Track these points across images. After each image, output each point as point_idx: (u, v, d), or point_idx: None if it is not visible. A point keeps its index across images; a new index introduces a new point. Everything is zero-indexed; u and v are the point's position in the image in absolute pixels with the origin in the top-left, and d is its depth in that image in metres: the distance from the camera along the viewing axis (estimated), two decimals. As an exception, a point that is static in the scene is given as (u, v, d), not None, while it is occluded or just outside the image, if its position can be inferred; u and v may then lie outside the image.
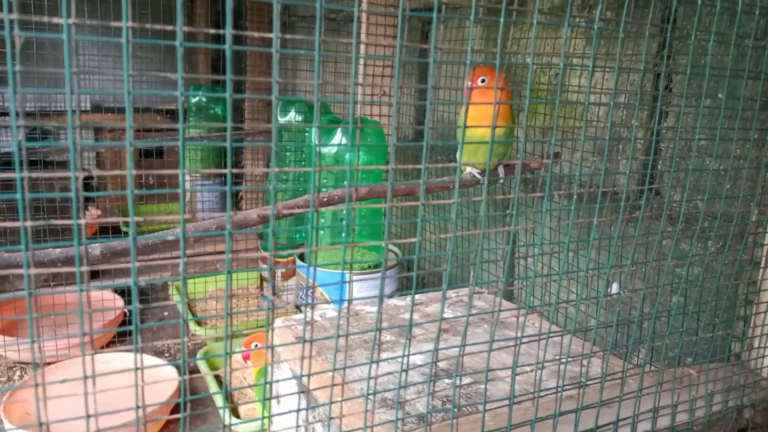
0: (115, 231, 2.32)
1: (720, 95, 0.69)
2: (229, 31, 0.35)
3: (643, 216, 0.56)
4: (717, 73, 0.59)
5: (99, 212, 2.47)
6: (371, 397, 0.62)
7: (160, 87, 2.31)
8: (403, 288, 1.55)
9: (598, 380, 0.50)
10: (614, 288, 0.79)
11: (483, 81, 0.89)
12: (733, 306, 0.73)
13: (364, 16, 1.45)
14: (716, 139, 0.62)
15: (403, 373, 0.69)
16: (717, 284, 0.65)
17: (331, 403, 0.51)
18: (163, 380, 1.17)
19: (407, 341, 0.53)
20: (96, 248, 0.77)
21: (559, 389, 0.48)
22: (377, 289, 1.30)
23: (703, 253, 0.83)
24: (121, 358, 1.33)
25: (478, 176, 0.97)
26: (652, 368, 0.88)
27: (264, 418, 0.48)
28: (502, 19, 0.44)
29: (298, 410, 0.44)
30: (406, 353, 0.53)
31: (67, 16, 0.31)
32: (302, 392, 0.72)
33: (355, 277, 1.24)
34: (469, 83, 0.94)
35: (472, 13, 0.42)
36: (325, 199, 0.93)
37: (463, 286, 1.04)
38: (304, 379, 0.70)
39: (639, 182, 1.02)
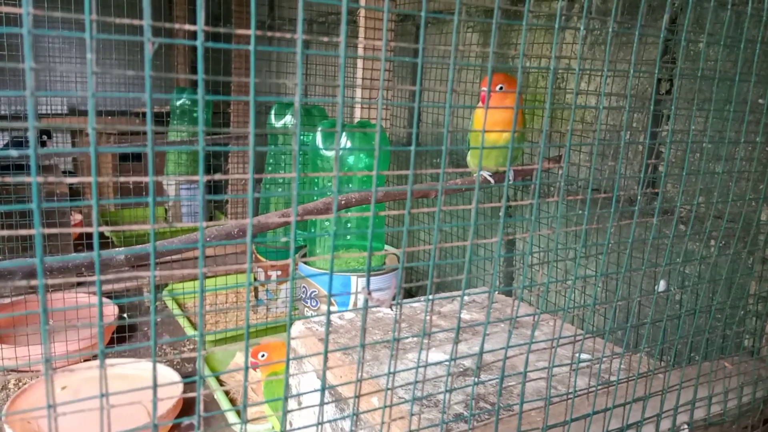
0: (100, 237, 2.28)
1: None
2: (200, 27, 0.32)
3: (647, 218, 0.58)
4: (711, 75, 0.61)
5: (80, 218, 2.42)
6: (413, 400, 0.63)
7: (138, 89, 2.27)
8: (402, 293, 1.56)
9: (646, 375, 0.52)
10: (662, 285, 0.82)
11: (501, 88, 0.91)
12: (745, 303, 0.76)
13: (360, 20, 1.46)
14: (718, 141, 0.64)
15: (440, 376, 0.70)
16: (735, 281, 0.68)
17: (385, 407, 0.52)
18: (166, 385, 1.16)
19: (455, 344, 0.54)
20: (120, 254, 0.77)
21: (614, 383, 0.49)
22: (386, 293, 1.31)
23: (721, 253, 0.86)
24: (121, 364, 1.31)
25: (490, 179, 0.98)
26: (662, 364, 0.91)
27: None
28: (524, 23, 0.45)
29: (365, 411, 0.45)
30: (454, 356, 0.54)
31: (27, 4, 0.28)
32: (334, 401, 0.73)
33: (359, 279, 1.25)
34: (484, 89, 0.96)
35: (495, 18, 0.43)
36: (343, 202, 0.94)
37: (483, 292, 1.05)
38: (340, 388, 0.71)
39: (642, 185, 1.05)
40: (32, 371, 1.37)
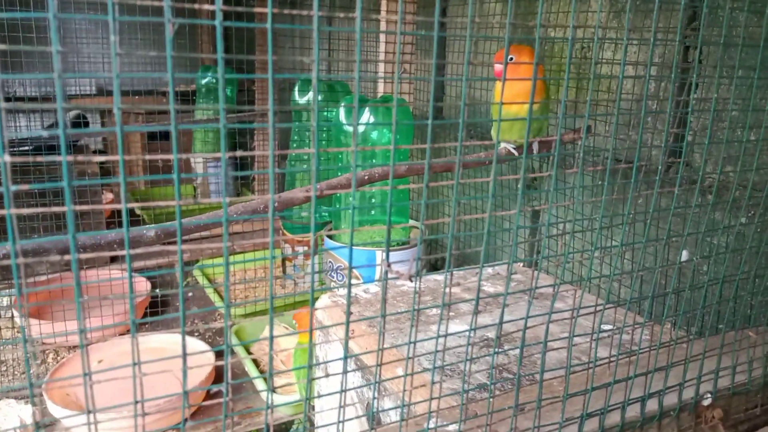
0: (131, 215, 2.34)
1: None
2: (218, 6, 0.32)
3: (672, 188, 0.57)
4: (736, 41, 0.60)
5: (111, 197, 2.47)
6: (434, 369, 0.64)
7: (162, 69, 2.29)
8: (427, 266, 1.57)
9: (669, 344, 0.52)
10: (684, 255, 0.82)
11: (511, 59, 0.90)
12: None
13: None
14: (743, 108, 0.63)
15: (463, 346, 0.71)
16: (761, 250, 0.67)
17: (407, 375, 0.53)
18: (197, 354, 1.20)
19: (474, 315, 0.55)
20: (151, 230, 0.79)
21: (636, 353, 0.50)
22: (405, 266, 1.32)
23: (747, 222, 0.85)
24: (153, 339, 1.35)
25: (514, 152, 0.98)
26: (688, 335, 0.91)
27: (308, 399, 0.50)
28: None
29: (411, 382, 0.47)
30: (473, 327, 0.55)
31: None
32: (358, 369, 0.75)
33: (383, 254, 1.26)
34: (497, 64, 0.95)
35: None
36: (366, 177, 0.95)
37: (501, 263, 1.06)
38: (365, 358, 0.72)
39: (668, 154, 1.04)
40: (69, 346, 1.42)
